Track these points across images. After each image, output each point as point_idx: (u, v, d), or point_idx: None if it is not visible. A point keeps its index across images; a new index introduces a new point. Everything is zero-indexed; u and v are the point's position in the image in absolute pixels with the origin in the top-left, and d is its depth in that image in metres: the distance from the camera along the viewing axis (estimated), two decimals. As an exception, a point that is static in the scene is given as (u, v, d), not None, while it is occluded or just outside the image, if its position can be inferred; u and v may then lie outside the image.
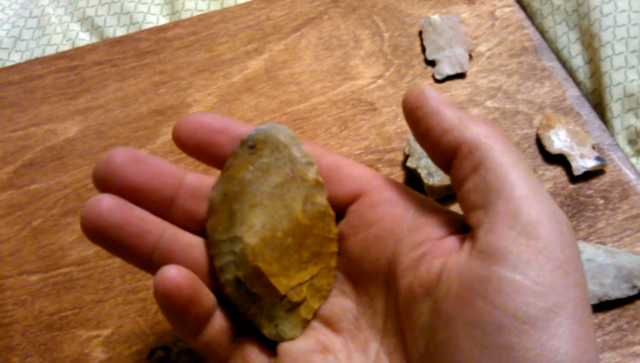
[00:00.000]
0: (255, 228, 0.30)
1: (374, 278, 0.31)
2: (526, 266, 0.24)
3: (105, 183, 0.30)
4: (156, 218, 0.31)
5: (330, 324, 0.32)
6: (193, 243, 0.31)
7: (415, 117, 0.31)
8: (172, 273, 0.28)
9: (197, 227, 0.32)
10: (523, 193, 0.26)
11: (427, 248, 0.29)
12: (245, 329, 0.32)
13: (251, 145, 0.31)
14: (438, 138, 0.29)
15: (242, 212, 0.30)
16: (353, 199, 0.32)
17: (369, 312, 0.31)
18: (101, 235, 0.29)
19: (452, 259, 0.28)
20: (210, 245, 0.30)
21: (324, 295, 0.31)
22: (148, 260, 0.30)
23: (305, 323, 0.31)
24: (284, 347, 0.31)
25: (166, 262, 0.30)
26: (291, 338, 0.30)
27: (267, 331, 0.30)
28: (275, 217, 0.30)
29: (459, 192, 0.29)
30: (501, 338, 0.24)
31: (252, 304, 0.30)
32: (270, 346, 0.32)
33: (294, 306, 0.30)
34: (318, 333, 0.32)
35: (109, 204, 0.29)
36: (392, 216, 0.31)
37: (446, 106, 0.30)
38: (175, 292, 0.28)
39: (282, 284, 0.30)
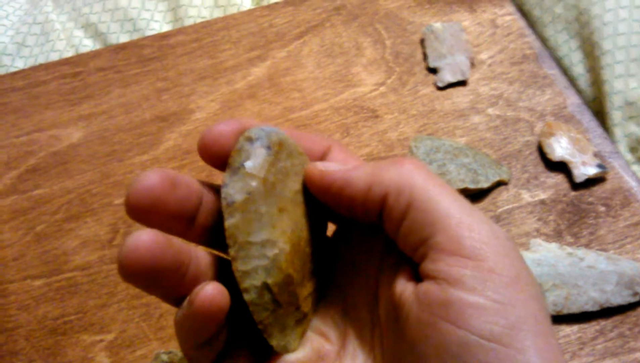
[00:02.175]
0: (287, 233, 0.29)
1: (364, 289, 0.31)
2: (482, 286, 0.25)
3: (141, 212, 0.28)
4: (186, 245, 0.30)
5: (322, 333, 0.32)
6: (207, 259, 0.30)
7: (331, 196, 0.30)
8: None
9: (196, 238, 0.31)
10: (458, 219, 0.26)
11: (401, 270, 0.30)
12: (237, 342, 0.32)
13: (267, 146, 0.30)
14: (363, 202, 0.29)
15: (270, 215, 0.29)
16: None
17: (356, 322, 0.32)
18: (141, 275, 0.28)
19: (410, 284, 0.28)
20: (231, 247, 0.28)
21: (312, 309, 0.31)
22: (184, 294, 0.30)
23: (300, 338, 0.31)
24: (282, 358, 0.31)
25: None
26: (293, 350, 0.30)
27: (276, 342, 0.29)
28: (298, 224, 0.30)
29: (397, 240, 0.29)
30: (470, 358, 0.24)
31: (270, 313, 0.29)
32: (261, 358, 0.32)
33: (302, 317, 0.30)
34: (313, 342, 0.32)
35: (150, 242, 0.28)
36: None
37: (352, 171, 0.29)
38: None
39: (301, 294, 0.30)
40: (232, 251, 0.28)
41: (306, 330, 0.31)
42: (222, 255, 0.31)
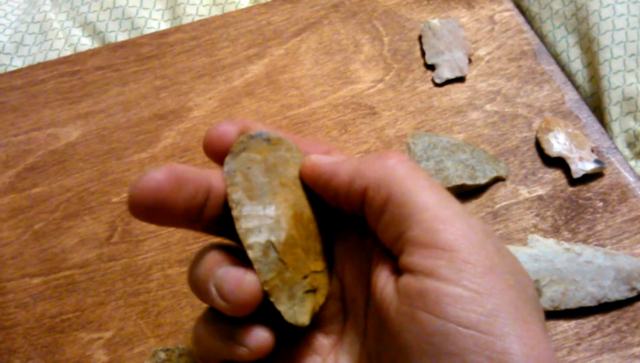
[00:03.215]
0: (290, 201, 0.30)
1: (359, 283, 0.32)
2: (457, 276, 0.25)
3: (145, 213, 0.28)
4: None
5: (320, 325, 0.32)
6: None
7: (320, 186, 0.31)
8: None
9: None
10: (433, 213, 0.27)
11: (384, 264, 0.30)
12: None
13: (267, 138, 0.31)
14: (347, 194, 0.30)
15: (272, 185, 0.30)
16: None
17: (353, 316, 0.32)
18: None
19: (391, 278, 0.28)
20: (234, 208, 0.29)
21: (323, 294, 0.31)
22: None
23: (312, 314, 0.30)
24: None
25: None
26: (302, 325, 0.30)
27: (284, 308, 0.29)
28: (300, 201, 0.31)
29: (377, 233, 0.29)
30: (450, 345, 0.24)
31: (276, 274, 0.29)
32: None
33: (312, 291, 0.30)
34: (307, 334, 0.32)
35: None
36: None
37: (340, 163, 0.30)
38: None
39: (309, 263, 0.30)
40: (235, 212, 0.29)
41: (317, 310, 0.30)
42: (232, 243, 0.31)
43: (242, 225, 0.29)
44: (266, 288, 0.28)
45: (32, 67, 0.58)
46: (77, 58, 0.58)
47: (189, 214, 0.29)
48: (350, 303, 0.32)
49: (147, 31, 0.61)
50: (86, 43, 0.61)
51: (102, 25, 0.62)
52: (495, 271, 0.25)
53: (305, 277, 0.30)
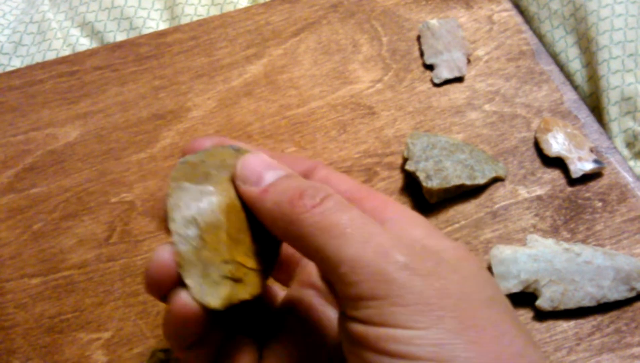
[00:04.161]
0: (230, 194, 0.30)
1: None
2: (391, 319, 0.25)
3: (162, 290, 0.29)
4: None
5: (316, 333, 0.32)
6: None
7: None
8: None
9: None
10: (348, 267, 0.26)
11: None
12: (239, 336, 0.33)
13: (236, 149, 0.32)
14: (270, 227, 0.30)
15: (219, 177, 0.30)
16: None
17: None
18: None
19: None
20: (170, 185, 0.30)
21: (250, 291, 0.30)
22: None
23: (225, 302, 0.29)
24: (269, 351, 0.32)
25: None
26: (209, 307, 0.28)
27: (192, 283, 0.28)
28: (236, 199, 0.31)
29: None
30: None
31: (192, 249, 0.29)
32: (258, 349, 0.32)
33: (232, 279, 0.29)
34: (309, 333, 0.32)
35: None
36: None
37: (267, 192, 0.29)
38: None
39: (233, 251, 0.30)
40: (169, 189, 0.29)
41: (235, 302, 0.29)
42: None
43: (172, 201, 0.29)
44: (177, 259, 0.28)
45: (30, 67, 0.57)
46: (76, 58, 0.57)
47: None
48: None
49: (145, 31, 0.61)
50: (84, 43, 0.61)
51: (101, 25, 0.62)
52: (428, 299, 0.24)
53: (226, 262, 0.29)
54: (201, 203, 0.30)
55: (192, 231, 0.29)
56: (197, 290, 0.28)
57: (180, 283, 0.28)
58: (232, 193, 0.30)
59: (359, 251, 0.25)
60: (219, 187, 0.30)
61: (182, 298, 0.28)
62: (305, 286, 0.34)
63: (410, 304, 0.24)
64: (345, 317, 0.26)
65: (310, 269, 0.34)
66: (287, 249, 0.35)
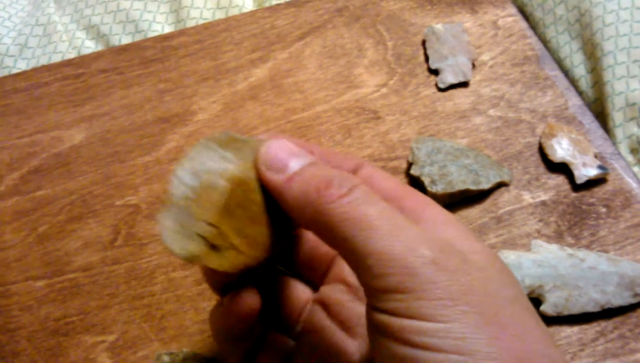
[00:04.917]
0: (247, 171, 0.30)
1: None
2: (418, 312, 0.25)
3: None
4: None
5: (346, 327, 0.33)
6: None
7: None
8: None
9: None
10: (376, 258, 0.26)
11: None
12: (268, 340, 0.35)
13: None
14: (296, 217, 0.30)
15: (246, 155, 0.31)
16: None
17: None
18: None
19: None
20: (199, 143, 0.31)
21: (221, 265, 0.30)
22: None
23: (188, 256, 0.29)
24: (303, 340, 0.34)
25: None
26: (169, 249, 0.29)
27: (166, 221, 0.29)
28: (256, 182, 0.31)
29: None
30: None
31: (184, 197, 0.29)
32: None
33: (207, 242, 0.29)
34: (334, 334, 0.33)
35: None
36: None
37: (291, 181, 0.30)
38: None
39: (221, 217, 0.30)
40: (197, 143, 0.31)
41: (196, 263, 0.30)
42: None
43: (191, 152, 0.30)
44: (164, 198, 0.29)
45: (36, 70, 0.58)
46: (81, 61, 0.58)
47: None
48: None
49: (151, 34, 0.61)
50: (90, 46, 0.61)
51: (106, 28, 0.62)
52: (453, 294, 0.25)
53: (209, 224, 0.29)
54: (216, 164, 0.30)
55: (191, 181, 0.29)
56: (167, 233, 0.29)
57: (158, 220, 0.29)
58: (251, 174, 0.31)
59: (387, 244, 0.26)
60: (242, 163, 0.30)
61: (245, 295, 0.31)
62: (337, 282, 0.35)
63: (435, 298, 0.24)
64: (371, 307, 0.27)
65: (341, 265, 0.35)
66: (319, 249, 0.36)
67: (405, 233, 0.26)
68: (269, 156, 0.30)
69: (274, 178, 0.30)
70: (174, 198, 0.29)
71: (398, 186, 0.32)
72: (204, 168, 0.30)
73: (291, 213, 0.29)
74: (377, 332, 0.26)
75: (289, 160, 0.30)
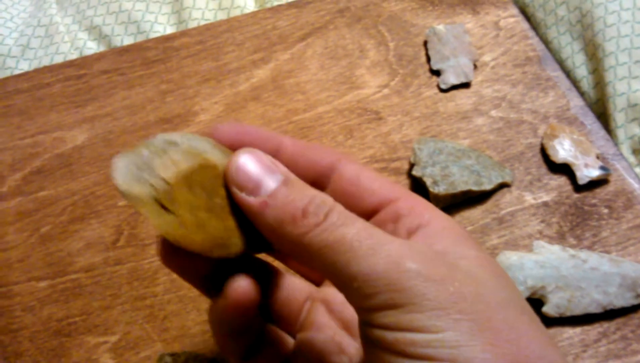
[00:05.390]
0: (219, 161, 0.30)
1: None
2: (409, 324, 0.25)
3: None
4: None
5: (347, 327, 0.33)
6: None
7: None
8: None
9: None
10: (361, 281, 0.26)
11: None
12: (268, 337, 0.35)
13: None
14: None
15: (224, 153, 0.31)
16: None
17: None
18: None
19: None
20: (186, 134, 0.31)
21: (159, 225, 0.29)
22: None
23: (132, 197, 0.28)
24: (303, 338, 0.34)
25: None
26: (117, 186, 0.28)
27: (123, 162, 0.28)
28: (218, 180, 0.30)
29: None
30: None
31: (149, 151, 0.29)
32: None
33: (154, 188, 0.29)
34: (335, 333, 0.33)
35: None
36: None
37: (268, 204, 0.29)
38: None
39: (179, 182, 0.29)
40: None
41: (139, 207, 0.29)
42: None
43: (176, 133, 0.30)
44: (134, 147, 0.29)
45: (38, 71, 0.58)
46: (83, 62, 0.58)
47: None
48: None
49: (153, 35, 0.61)
50: (92, 47, 0.61)
51: (108, 29, 0.62)
52: (444, 303, 0.25)
53: (164, 182, 0.29)
54: (192, 142, 0.30)
55: (160, 143, 0.29)
56: (120, 169, 0.28)
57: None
58: (220, 170, 0.30)
59: (370, 264, 0.25)
60: (217, 152, 0.30)
61: (241, 286, 0.29)
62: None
63: (426, 310, 0.24)
64: (363, 323, 0.27)
65: None
66: (294, 295, 0.37)
67: (386, 249, 0.26)
68: (239, 175, 0.29)
69: (246, 200, 0.28)
70: (137, 150, 0.29)
71: (389, 186, 0.31)
72: (192, 143, 0.30)
73: (267, 237, 0.29)
74: (370, 344, 0.26)
75: (262, 179, 0.28)
